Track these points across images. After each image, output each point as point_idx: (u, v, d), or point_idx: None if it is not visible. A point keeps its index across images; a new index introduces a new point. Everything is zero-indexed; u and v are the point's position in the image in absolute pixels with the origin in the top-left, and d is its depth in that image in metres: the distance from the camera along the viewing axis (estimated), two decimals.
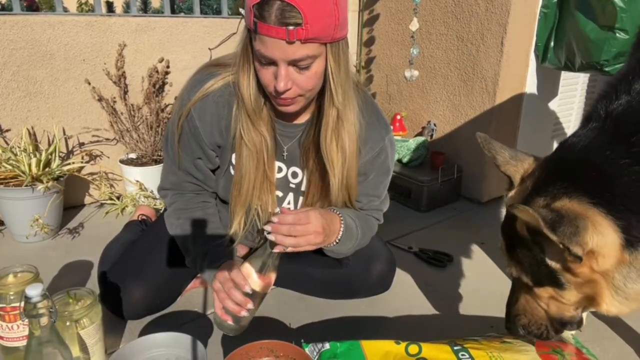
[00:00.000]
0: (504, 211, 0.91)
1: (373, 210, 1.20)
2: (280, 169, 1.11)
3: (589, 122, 0.84)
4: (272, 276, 0.95)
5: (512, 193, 0.92)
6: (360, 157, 1.07)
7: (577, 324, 0.87)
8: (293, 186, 1.13)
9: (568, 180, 0.77)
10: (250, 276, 0.91)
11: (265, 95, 0.98)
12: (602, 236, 0.72)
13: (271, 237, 0.90)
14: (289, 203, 1.15)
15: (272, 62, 0.87)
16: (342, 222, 1.05)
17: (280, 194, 1.13)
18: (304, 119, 1.07)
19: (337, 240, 1.04)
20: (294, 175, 1.12)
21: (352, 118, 1.00)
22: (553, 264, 0.77)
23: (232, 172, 1.10)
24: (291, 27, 0.81)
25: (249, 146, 1.01)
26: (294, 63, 0.87)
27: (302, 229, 0.94)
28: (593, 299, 0.79)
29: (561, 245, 0.70)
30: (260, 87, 0.96)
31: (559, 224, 0.69)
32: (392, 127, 1.12)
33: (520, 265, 0.84)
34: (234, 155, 1.08)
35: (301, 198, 1.15)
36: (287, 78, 0.88)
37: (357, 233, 1.10)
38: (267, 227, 0.91)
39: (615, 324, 1.25)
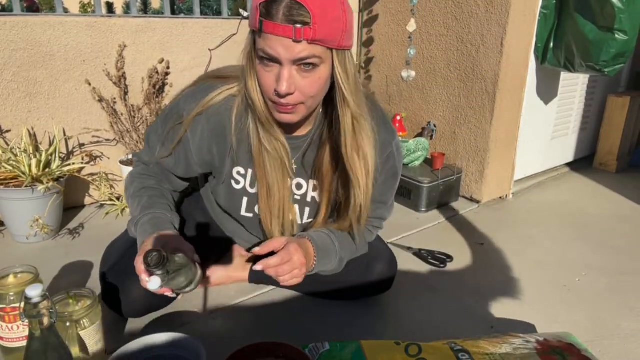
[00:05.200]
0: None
1: (375, 219, 1.20)
2: None
3: None
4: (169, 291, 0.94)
5: None
6: None
7: None
8: (298, 198, 1.13)
9: None
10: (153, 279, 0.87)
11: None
12: None
13: (258, 268, 0.96)
14: (293, 215, 1.14)
15: (276, 63, 0.84)
16: (313, 245, 1.07)
17: (284, 206, 1.13)
18: (305, 130, 1.05)
19: (314, 264, 1.06)
20: (299, 186, 1.12)
21: (367, 127, 0.97)
22: None
23: (235, 185, 1.09)
24: (299, 26, 0.79)
25: (272, 154, 0.99)
26: (299, 62, 0.83)
27: (288, 267, 0.98)
28: None
29: None
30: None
31: None
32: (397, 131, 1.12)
33: None
34: (235, 169, 1.07)
35: (307, 209, 1.14)
36: (291, 80, 0.84)
37: (335, 248, 1.10)
38: (257, 267, 0.96)
39: (616, 324, 1.25)
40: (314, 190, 1.13)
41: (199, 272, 0.96)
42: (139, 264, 0.89)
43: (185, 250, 0.95)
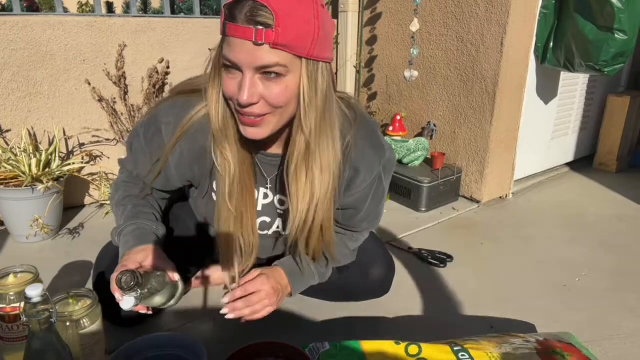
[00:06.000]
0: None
1: (357, 232, 1.15)
2: (266, 195, 1.07)
3: None
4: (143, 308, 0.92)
5: None
6: (353, 189, 1.01)
7: None
8: (281, 212, 1.08)
9: None
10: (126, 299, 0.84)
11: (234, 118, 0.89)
12: None
13: (230, 317, 0.96)
14: (277, 227, 1.11)
15: (237, 70, 0.78)
16: (283, 270, 1.06)
17: (267, 219, 1.09)
18: (279, 149, 0.98)
19: (291, 290, 1.07)
20: (281, 202, 1.07)
21: (327, 150, 0.87)
22: None
23: (214, 197, 1.05)
24: (260, 27, 0.72)
25: (219, 170, 0.94)
26: (261, 70, 0.76)
27: (256, 297, 0.98)
28: None
29: None
30: (229, 108, 0.86)
31: None
32: (390, 146, 1.05)
33: None
34: (215, 182, 1.02)
35: (278, 219, 1.11)
36: (253, 89, 0.77)
37: (311, 269, 1.08)
38: (224, 311, 0.96)
39: (616, 324, 1.25)
40: (281, 204, 1.07)
41: (180, 288, 0.94)
42: (114, 282, 0.86)
43: (165, 268, 0.92)
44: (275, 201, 1.07)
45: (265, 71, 0.77)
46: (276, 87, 0.78)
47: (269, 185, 1.03)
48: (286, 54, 0.76)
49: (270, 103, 0.79)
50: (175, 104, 0.97)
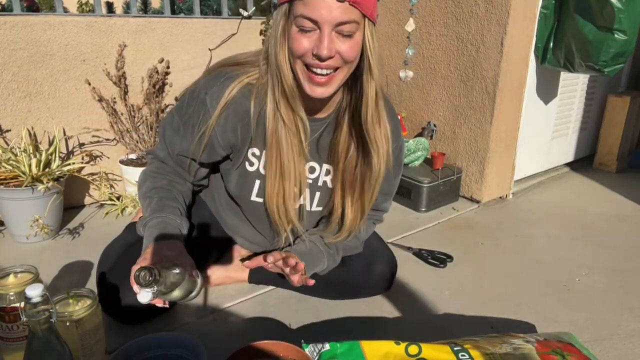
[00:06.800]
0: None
1: (378, 212, 1.21)
2: None
3: None
4: (160, 302, 0.92)
5: None
6: None
7: None
8: (310, 181, 1.12)
9: None
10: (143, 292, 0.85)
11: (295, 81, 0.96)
12: None
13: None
14: (304, 199, 1.13)
15: (315, 27, 0.86)
16: (294, 253, 1.09)
17: (296, 189, 1.12)
18: (326, 113, 1.06)
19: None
20: (312, 170, 1.12)
21: (384, 105, 1.02)
22: None
23: (248, 167, 1.09)
24: None
25: (290, 129, 1.00)
26: (339, 25, 0.86)
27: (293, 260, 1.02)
28: None
29: None
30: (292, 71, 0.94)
31: None
32: None
33: None
34: (250, 150, 1.07)
35: (317, 194, 1.14)
36: (331, 44, 0.86)
37: (318, 247, 1.12)
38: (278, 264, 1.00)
39: (616, 324, 1.25)
40: (327, 174, 1.12)
41: (199, 283, 0.95)
42: (133, 275, 0.88)
43: (184, 264, 0.94)
44: (307, 169, 1.10)
45: (340, 28, 0.86)
46: (349, 42, 0.88)
47: (307, 148, 1.07)
48: (358, 12, 0.86)
49: (343, 57, 0.89)
50: (218, 76, 1.02)
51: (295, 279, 1.04)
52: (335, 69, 0.91)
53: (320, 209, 1.16)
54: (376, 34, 0.93)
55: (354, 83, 0.99)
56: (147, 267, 0.81)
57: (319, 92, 0.93)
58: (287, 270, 1.01)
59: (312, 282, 1.05)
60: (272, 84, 0.97)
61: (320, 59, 0.87)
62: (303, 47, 0.88)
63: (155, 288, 0.82)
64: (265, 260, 1.01)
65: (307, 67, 0.91)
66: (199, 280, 0.95)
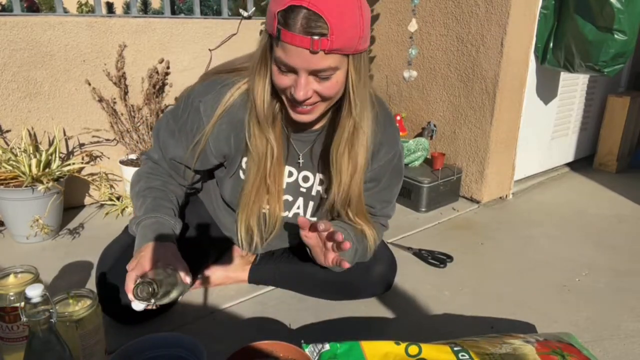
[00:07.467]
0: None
1: (382, 217, 1.21)
2: (291, 174, 1.11)
3: None
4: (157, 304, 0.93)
5: None
6: (374, 162, 1.08)
7: None
8: (304, 190, 1.13)
9: None
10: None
11: (281, 101, 0.97)
12: None
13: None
14: (298, 207, 1.15)
15: (293, 70, 0.86)
16: None
17: (290, 198, 1.13)
18: (318, 125, 1.07)
19: None
20: (305, 179, 1.12)
21: (366, 129, 0.99)
22: None
23: (242, 175, 1.10)
24: (316, 37, 0.80)
25: (252, 153, 1.01)
26: (315, 73, 0.86)
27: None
28: None
29: None
30: (275, 92, 0.94)
31: None
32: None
33: None
34: (244, 160, 1.08)
35: (311, 203, 1.15)
36: (307, 87, 0.87)
37: (351, 237, 1.10)
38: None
39: (616, 324, 1.25)
40: (320, 184, 1.13)
41: (188, 286, 0.97)
42: (129, 281, 0.90)
43: (177, 267, 0.95)
44: (300, 178, 1.12)
45: (318, 74, 0.86)
46: (327, 83, 0.88)
47: (300, 161, 1.09)
48: (337, 56, 0.84)
49: (321, 96, 0.89)
50: (213, 83, 1.02)
51: (331, 257, 1.00)
52: (316, 102, 0.92)
53: (314, 219, 1.15)
54: (365, 59, 0.91)
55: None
56: (146, 281, 0.82)
57: (303, 118, 0.94)
58: (330, 245, 0.99)
59: (347, 264, 0.97)
60: (249, 104, 0.98)
61: (296, 101, 0.88)
62: (284, 84, 0.89)
63: (152, 301, 0.84)
64: (316, 225, 0.98)
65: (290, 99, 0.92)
66: (189, 283, 0.97)
